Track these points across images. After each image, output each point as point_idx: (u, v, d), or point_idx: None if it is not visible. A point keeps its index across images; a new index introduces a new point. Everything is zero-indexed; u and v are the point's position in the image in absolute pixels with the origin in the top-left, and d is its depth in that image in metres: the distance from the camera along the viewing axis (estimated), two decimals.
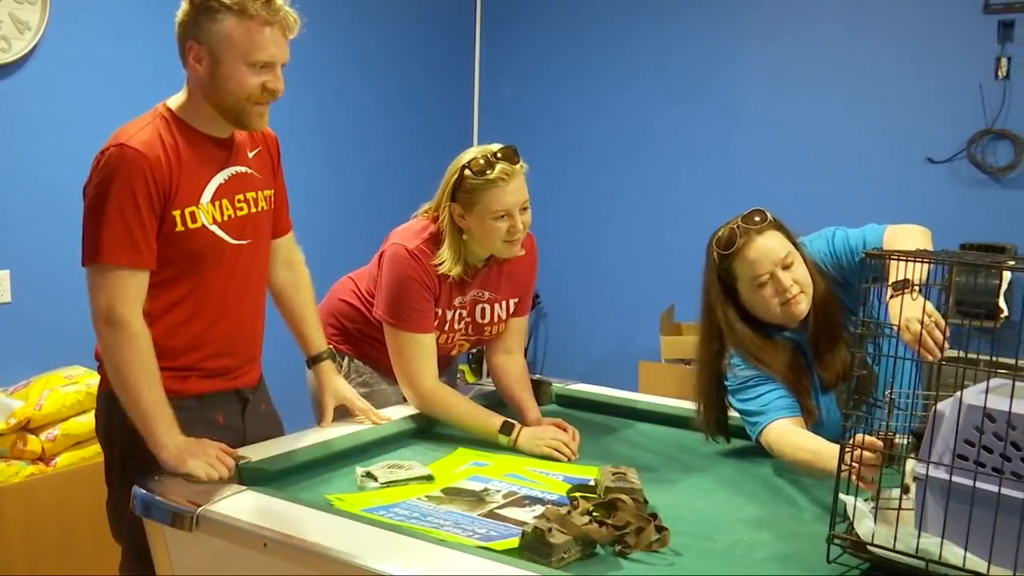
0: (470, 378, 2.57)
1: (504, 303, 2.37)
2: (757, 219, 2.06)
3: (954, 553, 1.33)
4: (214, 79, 1.87)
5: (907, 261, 1.58)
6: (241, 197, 2.00)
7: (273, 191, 2.11)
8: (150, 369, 1.84)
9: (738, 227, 2.05)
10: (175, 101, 1.95)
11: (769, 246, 2.03)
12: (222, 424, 2.02)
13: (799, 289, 2.03)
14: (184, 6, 1.88)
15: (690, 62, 4.63)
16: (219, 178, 1.96)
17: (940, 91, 4.04)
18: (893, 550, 1.39)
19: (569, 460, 2.10)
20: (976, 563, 1.31)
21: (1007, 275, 1.99)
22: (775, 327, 2.10)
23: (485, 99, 5.22)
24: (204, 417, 1.96)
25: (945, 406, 1.38)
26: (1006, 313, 1.92)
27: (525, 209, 2.20)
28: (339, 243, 4.08)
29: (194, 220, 1.91)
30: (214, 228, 1.94)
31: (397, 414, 2.29)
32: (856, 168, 4.25)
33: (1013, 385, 1.33)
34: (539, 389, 2.56)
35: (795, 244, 2.09)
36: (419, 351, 2.24)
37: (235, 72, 1.86)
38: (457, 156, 2.24)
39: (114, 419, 1.94)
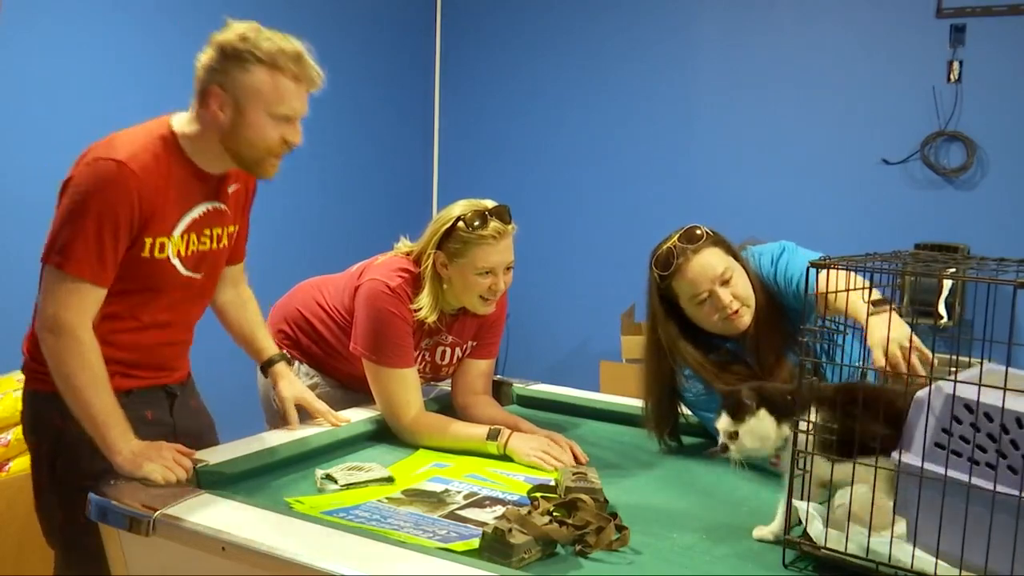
0: None
1: (464, 346, 2.39)
2: (694, 236, 2.06)
3: (904, 551, 1.36)
4: (235, 127, 1.86)
5: (851, 271, 1.60)
6: (208, 232, 2.00)
7: (237, 227, 2.11)
8: (98, 376, 1.80)
9: (675, 246, 2.06)
10: (180, 125, 1.91)
11: (707, 264, 2.03)
12: (151, 419, 2.00)
13: (739, 304, 2.03)
14: (210, 51, 1.86)
15: (648, 66, 4.66)
16: (195, 212, 1.95)
17: (894, 94, 4.11)
18: (845, 552, 1.41)
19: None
20: (925, 562, 1.34)
21: (947, 281, 2.04)
22: (720, 337, 2.11)
23: (445, 101, 5.21)
24: (133, 413, 1.90)
25: (924, 393, 1.40)
26: (945, 319, 1.97)
27: (509, 269, 2.22)
28: (294, 247, 4.07)
29: (161, 251, 1.90)
30: (175, 261, 1.94)
31: (356, 416, 2.29)
32: (813, 170, 4.31)
33: (954, 383, 1.35)
34: (500, 390, 2.57)
35: (736, 257, 2.09)
36: (401, 386, 2.22)
37: (258, 122, 1.85)
38: (447, 206, 2.25)
39: (41, 418, 1.93)
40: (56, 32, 3.38)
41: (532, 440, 2.11)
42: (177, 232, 1.91)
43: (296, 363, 2.43)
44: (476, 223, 2.15)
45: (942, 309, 1.90)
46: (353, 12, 4.66)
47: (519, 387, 2.63)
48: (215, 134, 1.88)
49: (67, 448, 1.88)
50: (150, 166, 1.83)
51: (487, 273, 2.18)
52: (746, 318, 2.05)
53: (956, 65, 3.95)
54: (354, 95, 4.65)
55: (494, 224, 2.16)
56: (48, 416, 1.89)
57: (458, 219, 2.17)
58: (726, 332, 2.08)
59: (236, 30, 1.84)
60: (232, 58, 1.83)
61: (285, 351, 2.43)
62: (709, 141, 4.55)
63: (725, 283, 2.03)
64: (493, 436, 2.12)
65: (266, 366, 2.25)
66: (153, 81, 3.62)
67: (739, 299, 2.04)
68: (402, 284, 2.22)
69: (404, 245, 2.34)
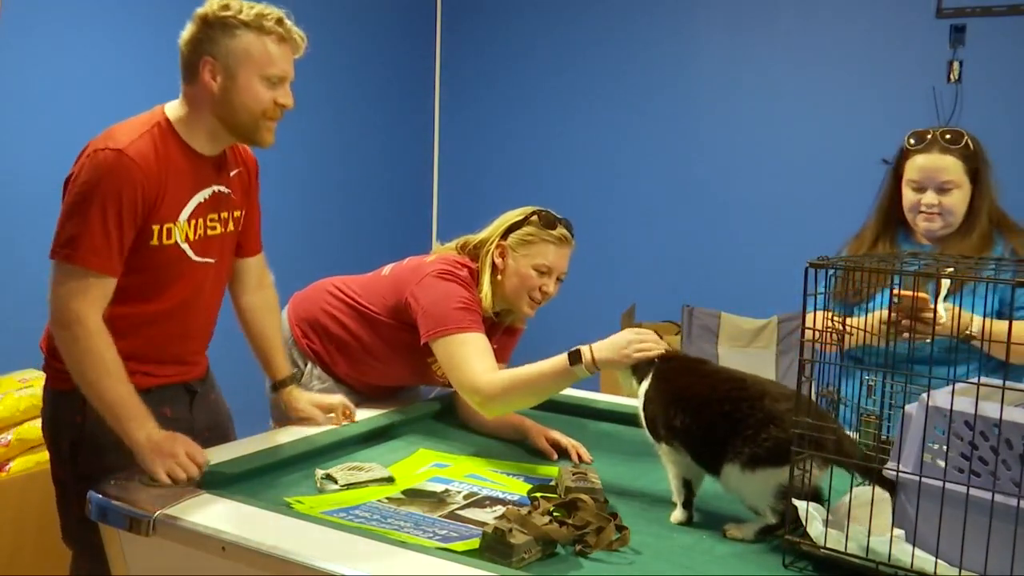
0: None
1: None
2: (954, 139, 2.16)
3: (904, 551, 1.36)
4: (228, 94, 1.90)
5: (853, 270, 1.61)
6: (215, 216, 2.01)
7: (243, 211, 2.12)
8: (111, 366, 1.82)
9: (934, 134, 2.16)
10: (173, 111, 1.95)
11: (940, 166, 2.13)
12: (170, 416, 2.00)
13: (937, 211, 2.12)
14: (192, 26, 1.91)
15: (649, 66, 4.66)
16: (200, 196, 1.97)
17: (894, 94, 4.11)
18: (845, 552, 1.41)
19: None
20: (924, 560, 1.34)
21: (945, 281, 2.04)
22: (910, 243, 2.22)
23: (445, 101, 5.21)
24: (152, 411, 1.91)
25: (912, 408, 1.41)
26: (944, 319, 1.98)
27: (560, 280, 2.29)
28: (292, 247, 4.07)
29: (169, 237, 1.92)
30: (184, 246, 1.95)
31: (358, 416, 2.29)
32: (813, 169, 4.31)
33: (952, 388, 1.35)
34: None
35: (978, 182, 2.15)
36: (473, 351, 2.12)
37: (250, 85, 1.89)
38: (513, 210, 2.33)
39: (61, 415, 1.95)
40: (56, 30, 3.38)
41: (616, 339, 1.91)
42: (183, 217, 1.93)
43: (309, 365, 2.42)
44: (551, 222, 2.25)
45: (941, 309, 1.89)
46: (353, 13, 4.66)
47: None
48: (208, 109, 1.92)
49: (88, 444, 1.90)
50: (148, 153, 1.85)
51: (545, 272, 2.24)
52: (935, 225, 2.13)
53: (956, 65, 3.95)
54: (354, 96, 4.65)
55: (563, 230, 2.26)
56: (68, 414, 1.91)
57: (533, 213, 2.26)
58: (917, 229, 2.18)
59: (216, 1, 1.89)
60: (218, 27, 1.88)
61: (304, 349, 2.41)
62: (709, 141, 4.54)
63: (942, 191, 2.12)
64: (575, 360, 1.95)
65: (280, 384, 2.26)
66: (154, 78, 3.62)
67: (942, 208, 2.12)
68: (467, 274, 2.27)
69: (447, 246, 2.37)
